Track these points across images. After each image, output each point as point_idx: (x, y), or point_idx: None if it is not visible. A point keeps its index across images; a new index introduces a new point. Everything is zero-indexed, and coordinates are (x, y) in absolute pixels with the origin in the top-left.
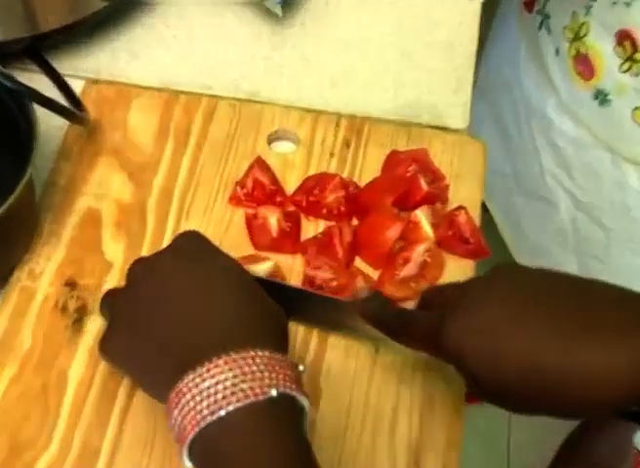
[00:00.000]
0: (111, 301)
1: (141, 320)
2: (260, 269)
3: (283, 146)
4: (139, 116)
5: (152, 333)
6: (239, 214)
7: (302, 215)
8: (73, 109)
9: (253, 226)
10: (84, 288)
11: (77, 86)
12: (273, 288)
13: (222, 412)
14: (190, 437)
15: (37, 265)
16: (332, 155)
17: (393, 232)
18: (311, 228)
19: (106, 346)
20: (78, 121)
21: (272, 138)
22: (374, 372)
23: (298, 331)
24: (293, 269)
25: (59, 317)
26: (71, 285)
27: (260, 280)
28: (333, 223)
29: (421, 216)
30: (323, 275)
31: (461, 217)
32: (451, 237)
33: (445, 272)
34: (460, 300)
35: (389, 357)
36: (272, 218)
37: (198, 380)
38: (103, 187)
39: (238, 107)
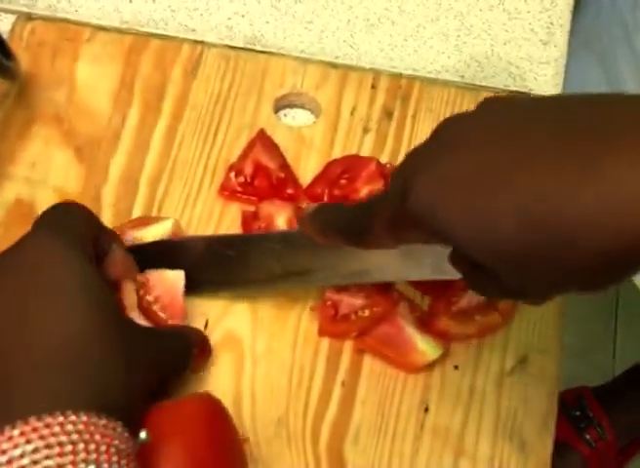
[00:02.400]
0: None
1: None
2: (158, 232)
3: (296, 116)
4: (90, 69)
5: None
6: (233, 211)
7: None
8: None
9: (252, 230)
10: None
11: (3, 24)
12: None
13: None
14: None
15: None
16: (366, 130)
17: None
18: None
19: None
20: (4, 73)
21: (281, 105)
22: (421, 439)
23: (307, 370)
24: (308, 293)
25: None
26: None
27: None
28: None
29: None
30: (351, 300)
31: None
32: None
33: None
34: (430, 149)
35: (444, 417)
36: (280, 219)
37: None
38: (39, 170)
39: (233, 59)
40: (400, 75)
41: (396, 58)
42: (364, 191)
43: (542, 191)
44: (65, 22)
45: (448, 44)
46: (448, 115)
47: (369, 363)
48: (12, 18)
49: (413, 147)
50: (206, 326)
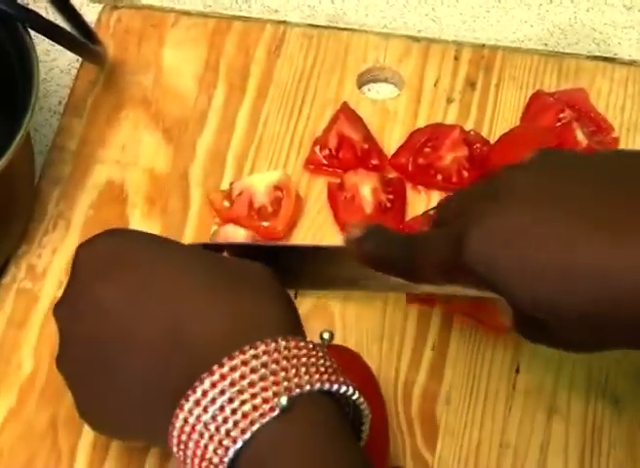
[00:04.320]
0: (56, 363)
1: (102, 367)
2: (265, 178)
3: (380, 90)
4: (176, 53)
5: (122, 376)
6: (319, 184)
7: (409, 184)
8: (84, 40)
9: (338, 200)
10: None
11: (91, 14)
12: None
13: (235, 447)
14: None
15: (39, 260)
16: (450, 101)
17: None
18: (421, 202)
19: (84, 414)
20: (92, 58)
21: (365, 79)
22: (513, 399)
23: (397, 335)
24: None
25: None
26: None
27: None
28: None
29: None
30: None
31: None
32: None
33: None
34: (485, 201)
35: (536, 377)
36: (365, 189)
37: (196, 411)
38: (129, 152)
39: (316, 37)
40: (483, 46)
41: (478, 29)
42: (448, 158)
43: (598, 253)
44: (150, 9)
45: (530, 13)
46: (532, 82)
47: (458, 326)
48: (98, 8)
49: (467, 190)
50: (296, 295)
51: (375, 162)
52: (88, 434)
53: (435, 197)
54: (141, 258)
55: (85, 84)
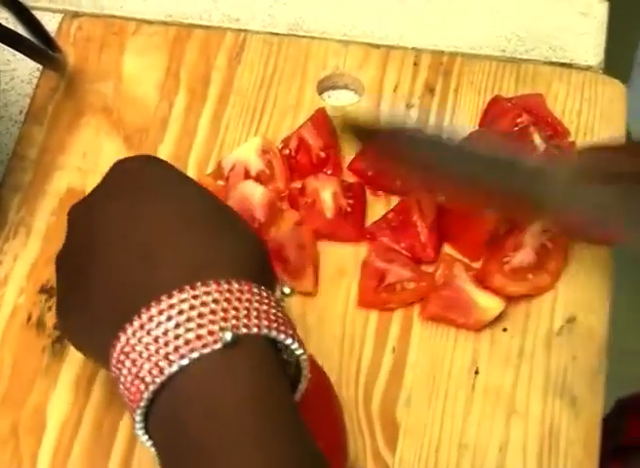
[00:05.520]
0: (56, 258)
1: (81, 275)
2: (250, 148)
3: (340, 96)
4: (136, 60)
5: (91, 288)
6: None
7: (368, 189)
8: (43, 47)
9: (299, 205)
10: None
11: (51, 23)
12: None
13: (170, 369)
14: (141, 404)
15: (0, 267)
16: (409, 106)
17: None
18: (380, 207)
19: (58, 317)
20: (52, 66)
21: (325, 86)
22: (473, 400)
23: (358, 338)
24: (356, 263)
25: (33, 336)
26: (49, 292)
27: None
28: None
29: None
30: (400, 271)
31: None
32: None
33: (571, 262)
34: None
35: (494, 378)
36: (326, 193)
37: (139, 334)
38: (89, 159)
39: (276, 44)
40: (442, 52)
41: (437, 36)
42: None
43: None
44: (111, 18)
45: (488, 20)
46: (490, 87)
47: (418, 329)
48: (59, 17)
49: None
50: None
51: (328, 172)
52: (49, 440)
53: (395, 202)
54: (151, 184)
55: (46, 92)
